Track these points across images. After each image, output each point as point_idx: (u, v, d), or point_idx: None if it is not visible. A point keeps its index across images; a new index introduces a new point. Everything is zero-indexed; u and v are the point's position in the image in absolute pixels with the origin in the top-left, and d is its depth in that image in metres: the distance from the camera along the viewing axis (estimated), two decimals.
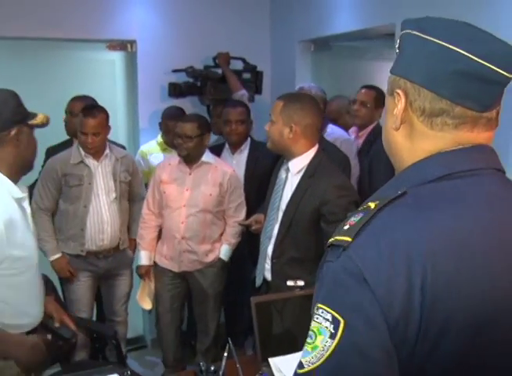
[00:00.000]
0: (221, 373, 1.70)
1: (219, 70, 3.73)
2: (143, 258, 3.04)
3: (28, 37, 3.40)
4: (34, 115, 1.83)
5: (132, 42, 3.68)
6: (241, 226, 2.99)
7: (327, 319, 0.79)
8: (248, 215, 2.95)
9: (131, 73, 3.77)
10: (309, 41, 3.80)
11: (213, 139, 3.74)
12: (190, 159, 2.92)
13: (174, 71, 3.65)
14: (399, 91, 0.90)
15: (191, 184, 2.94)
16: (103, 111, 2.91)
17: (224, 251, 3.05)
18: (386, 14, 3.05)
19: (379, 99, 3.21)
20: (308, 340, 0.81)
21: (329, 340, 0.78)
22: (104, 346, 3.01)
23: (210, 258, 3.02)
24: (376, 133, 3.19)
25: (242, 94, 3.59)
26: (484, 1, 2.52)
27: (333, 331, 0.78)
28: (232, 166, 3.26)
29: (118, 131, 3.75)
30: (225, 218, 3.04)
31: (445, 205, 0.83)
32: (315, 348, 0.79)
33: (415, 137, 0.90)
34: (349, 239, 0.80)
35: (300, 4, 3.74)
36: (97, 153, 2.95)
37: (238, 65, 3.81)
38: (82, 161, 2.93)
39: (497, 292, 0.80)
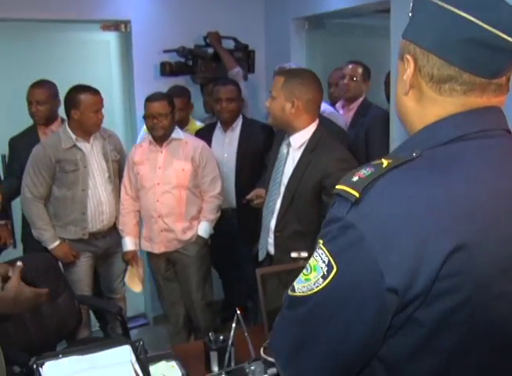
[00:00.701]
0: (230, 342, 1.75)
1: (210, 49, 3.73)
2: (128, 243, 3.03)
3: (21, 18, 3.34)
4: None
5: (127, 22, 3.65)
6: (218, 201, 3.02)
7: (324, 261, 0.85)
8: (243, 191, 2.97)
9: (126, 53, 3.75)
10: (303, 18, 3.79)
11: (204, 116, 3.76)
12: (165, 137, 2.93)
13: (166, 52, 3.65)
14: (408, 56, 0.91)
15: (163, 162, 2.94)
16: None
17: (203, 228, 3.02)
18: None
19: (365, 72, 3.37)
20: (305, 271, 0.89)
21: (320, 279, 0.85)
22: (106, 324, 3.08)
23: (188, 235, 2.99)
24: (366, 106, 3.34)
25: (237, 71, 3.59)
26: None
27: (325, 273, 0.84)
28: (225, 144, 3.31)
29: (115, 112, 3.75)
30: (201, 195, 3.02)
31: (458, 169, 0.84)
32: (307, 279, 0.87)
33: (424, 102, 0.92)
34: (357, 194, 0.82)
35: None
36: (87, 135, 2.96)
37: (229, 44, 3.81)
38: (75, 145, 2.93)
39: (503, 257, 0.82)
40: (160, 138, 2.93)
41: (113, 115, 3.70)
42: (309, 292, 0.85)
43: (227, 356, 1.73)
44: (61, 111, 3.12)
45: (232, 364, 1.76)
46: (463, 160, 0.86)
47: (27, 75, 3.26)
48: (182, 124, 3.35)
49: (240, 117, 3.35)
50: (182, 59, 3.71)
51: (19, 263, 1.63)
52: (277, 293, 2.00)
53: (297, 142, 2.22)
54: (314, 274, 0.86)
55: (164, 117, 2.87)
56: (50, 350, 2.52)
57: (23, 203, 2.98)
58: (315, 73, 2.26)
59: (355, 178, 0.85)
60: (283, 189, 2.23)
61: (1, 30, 3.38)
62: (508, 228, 0.83)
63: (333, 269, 0.83)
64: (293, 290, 0.89)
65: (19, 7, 3.30)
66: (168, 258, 3.08)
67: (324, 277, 0.84)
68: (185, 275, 3.08)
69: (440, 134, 0.89)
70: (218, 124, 3.36)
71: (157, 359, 1.76)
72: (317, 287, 0.84)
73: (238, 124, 3.33)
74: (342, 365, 0.87)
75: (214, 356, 1.76)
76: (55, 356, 1.60)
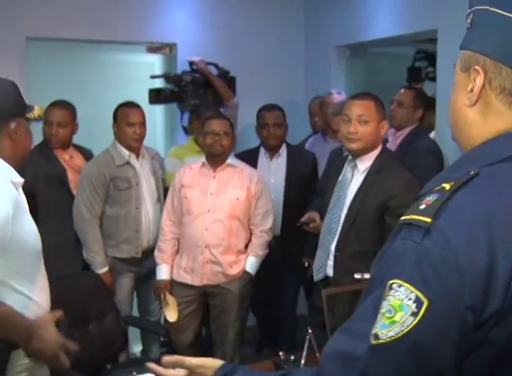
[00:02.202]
0: (302, 362, 1.74)
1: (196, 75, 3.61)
2: (164, 271, 2.84)
3: (70, 38, 3.46)
4: (31, 108, 1.75)
5: (172, 45, 3.74)
6: (268, 237, 2.89)
7: (410, 298, 0.80)
8: (291, 217, 2.93)
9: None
10: (345, 46, 3.87)
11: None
12: (221, 159, 2.79)
13: (153, 77, 3.59)
14: (478, 67, 0.87)
15: (215, 188, 2.78)
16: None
17: (250, 264, 2.84)
18: (428, 19, 3.10)
19: (418, 99, 3.14)
20: (387, 314, 0.82)
21: (410, 317, 0.80)
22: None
23: (236, 270, 2.81)
24: (415, 134, 3.10)
25: (237, 102, 3.56)
26: None
27: (415, 310, 0.79)
28: (271, 170, 3.27)
29: (156, 133, 3.80)
30: (250, 228, 2.87)
31: None
32: (393, 322, 0.81)
33: (489, 114, 0.88)
34: (428, 219, 0.80)
35: (335, 8, 3.80)
36: (138, 153, 2.97)
37: (211, 70, 3.69)
38: (128, 162, 2.94)
39: None
40: (219, 159, 2.79)
41: (155, 137, 3.74)
42: (400, 334, 0.80)
43: None
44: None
45: None
46: None
47: (73, 94, 3.29)
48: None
49: (284, 143, 3.33)
50: (169, 86, 3.59)
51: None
52: (343, 313, 2.00)
53: (365, 164, 2.26)
54: (400, 314, 0.81)
55: (226, 136, 2.74)
56: (98, 370, 2.53)
57: (79, 224, 2.90)
58: None
59: (423, 206, 0.83)
60: (345, 210, 2.26)
61: (51, 48, 3.47)
62: None
63: (423, 302, 0.79)
64: (377, 338, 0.83)
65: (68, 27, 3.41)
66: (205, 292, 2.86)
67: (415, 314, 0.80)
68: (222, 311, 2.86)
69: (498, 151, 0.86)
70: (263, 150, 3.32)
71: None
72: (408, 326, 0.80)
73: (284, 150, 3.30)
74: None
75: None
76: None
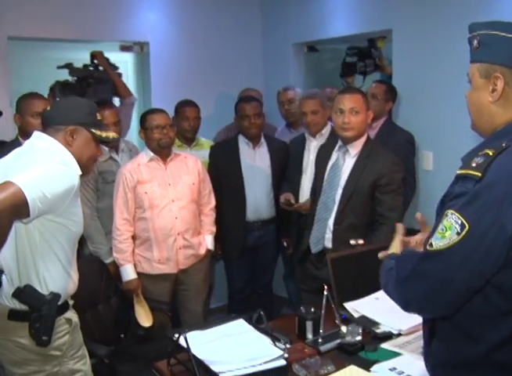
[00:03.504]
0: (323, 312, 2.10)
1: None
2: (130, 272, 2.89)
3: (44, 37, 3.57)
4: (104, 129, 2.03)
5: (144, 44, 3.94)
6: (214, 214, 3.11)
7: (457, 222, 1.16)
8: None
9: (144, 73, 4.03)
10: (302, 43, 4.22)
11: None
12: (169, 151, 2.94)
13: (59, 68, 3.52)
14: (498, 74, 1.24)
15: (171, 178, 2.93)
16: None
17: (210, 241, 3.08)
18: (382, 20, 3.50)
19: (389, 92, 3.38)
20: (440, 230, 1.19)
21: (455, 235, 1.17)
22: None
23: (203, 250, 3.04)
24: (390, 126, 3.38)
25: (134, 100, 3.67)
26: (478, 5, 3.00)
27: (459, 231, 1.15)
28: (256, 159, 3.40)
29: (131, 130, 3.96)
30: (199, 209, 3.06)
31: None
32: (443, 237, 1.19)
33: (508, 106, 1.25)
34: (479, 174, 1.16)
35: (294, 7, 4.13)
36: (117, 148, 3.16)
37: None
38: (111, 157, 3.14)
39: None
40: (166, 152, 2.94)
41: (131, 132, 3.92)
42: (446, 246, 1.18)
43: (322, 322, 2.09)
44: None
45: (321, 331, 2.12)
46: None
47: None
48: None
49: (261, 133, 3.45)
50: (71, 79, 3.54)
51: None
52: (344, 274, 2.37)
53: (356, 149, 2.63)
54: (449, 232, 1.18)
55: (171, 129, 2.91)
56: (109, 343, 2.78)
57: None
58: None
59: (474, 164, 1.21)
60: (339, 190, 2.62)
61: (23, 47, 3.55)
62: None
63: (465, 227, 1.16)
64: (431, 245, 1.22)
65: (42, 26, 3.53)
66: (177, 278, 3.01)
67: (458, 234, 1.17)
68: (194, 291, 3.06)
69: None
70: (244, 140, 3.41)
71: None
72: (453, 241, 1.17)
73: (263, 140, 3.45)
74: (469, 289, 1.21)
75: (309, 325, 2.10)
76: (193, 330, 1.90)
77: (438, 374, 1.33)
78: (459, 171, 1.24)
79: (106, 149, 3.12)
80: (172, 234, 2.91)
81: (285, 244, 3.50)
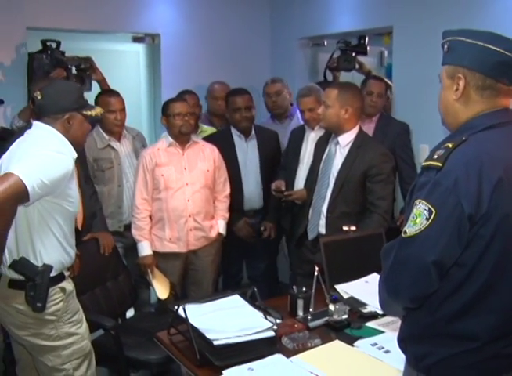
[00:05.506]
0: (313, 291, 2.27)
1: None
2: (147, 247, 3.08)
3: (60, 28, 3.72)
4: (91, 107, 2.22)
5: (156, 36, 4.10)
6: (229, 201, 3.24)
7: (425, 209, 1.31)
8: (269, 189, 3.34)
9: (155, 64, 4.19)
10: (308, 38, 4.36)
11: None
12: (188, 138, 3.10)
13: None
14: (460, 75, 1.39)
15: (187, 163, 3.09)
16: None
17: (222, 226, 3.23)
18: (384, 17, 3.63)
19: (386, 89, 3.58)
20: (411, 218, 1.33)
21: (424, 221, 1.31)
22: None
23: (214, 233, 3.20)
24: (387, 119, 3.54)
25: None
26: (477, 4, 3.08)
27: (428, 216, 1.30)
28: (248, 151, 3.48)
29: (141, 118, 4.15)
30: (213, 196, 3.21)
31: (493, 143, 1.35)
32: (415, 224, 1.33)
33: (469, 103, 1.40)
34: (440, 164, 1.31)
35: (301, 3, 4.27)
36: (115, 135, 3.26)
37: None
38: (109, 145, 3.25)
39: None
40: (185, 139, 3.10)
41: (140, 120, 4.10)
42: (418, 231, 1.32)
43: (312, 300, 2.26)
44: None
45: (311, 310, 2.28)
46: (494, 138, 1.37)
47: None
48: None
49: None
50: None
51: None
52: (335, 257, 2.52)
53: (345, 140, 2.78)
54: (419, 219, 1.33)
55: (193, 116, 3.08)
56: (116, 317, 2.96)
57: None
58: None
59: (436, 156, 1.35)
60: (332, 179, 2.77)
61: (39, 38, 3.69)
62: None
63: (432, 212, 1.31)
64: (406, 233, 1.36)
65: (57, 17, 3.68)
66: (187, 258, 3.17)
67: (427, 219, 1.31)
68: (203, 272, 3.22)
69: (478, 124, 1.38)
70: (236, 132, 3.46)
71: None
72: (424, 226, 1.32)
73: (253, 132, 3.50)
74: (443, 267, 1.32)
75: (300, 302, 2.28)
76: (192, 303, 2.08)
77: (404, 347, 1.48)
78: (423, 163, 1.39)
79: (105, 137, 3.26)
80: (184, 215, 3.08)
81: (262, 228, 3.54)
